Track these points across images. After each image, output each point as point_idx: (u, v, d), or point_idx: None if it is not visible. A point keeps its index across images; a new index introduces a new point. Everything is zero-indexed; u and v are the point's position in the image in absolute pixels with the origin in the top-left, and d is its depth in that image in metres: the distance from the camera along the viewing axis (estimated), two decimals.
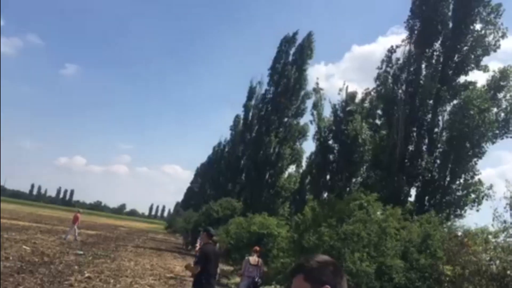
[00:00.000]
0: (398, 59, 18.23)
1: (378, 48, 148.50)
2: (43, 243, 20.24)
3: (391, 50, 18.55)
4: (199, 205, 53.65)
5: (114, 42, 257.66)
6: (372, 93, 20.94)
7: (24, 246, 17.50)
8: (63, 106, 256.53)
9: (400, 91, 17.89)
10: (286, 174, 32.82)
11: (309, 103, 31.03)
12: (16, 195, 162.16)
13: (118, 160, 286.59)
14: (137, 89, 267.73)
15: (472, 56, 16.81)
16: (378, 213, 12.38)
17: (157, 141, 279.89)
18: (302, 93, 33.39)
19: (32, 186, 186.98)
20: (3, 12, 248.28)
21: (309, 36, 33.87)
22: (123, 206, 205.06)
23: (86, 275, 12.80)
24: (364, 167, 21.69)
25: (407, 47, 18.00)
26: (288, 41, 34.70)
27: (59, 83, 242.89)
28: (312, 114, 24.34)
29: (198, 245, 11.97)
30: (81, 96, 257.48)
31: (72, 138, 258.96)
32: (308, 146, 73.35)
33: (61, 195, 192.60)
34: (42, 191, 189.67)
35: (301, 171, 33.42)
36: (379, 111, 20.41)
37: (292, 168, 33.55)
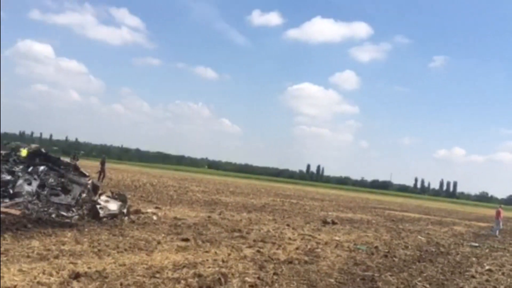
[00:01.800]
0: None
1: None
2: (436, 234, 20.76)
3: None
4: None
5: (476, 29, 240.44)
6: None
7: (419, 236, 18.43)
8: (434, 99, 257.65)
9: None
10: None
11: None
12: (402, 189, 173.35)
13: (501, 147, 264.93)
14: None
15: None
16: None
17: None
18: None
19: (416, 180, 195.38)
20: (372, 22, 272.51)
21: None
22: None
23: (486, 267, 12.31)
24: None
25: None
26: None
27: (428, 77, 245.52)
28: None
29: None
30: (451, 86, 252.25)
31: (448, 129, 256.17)
32: None
33: (444, 187, 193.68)
34: (426, 184, 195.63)
35: None
36: None
37: None
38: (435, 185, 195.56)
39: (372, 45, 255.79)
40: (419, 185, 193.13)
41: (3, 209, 11.02)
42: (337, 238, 14.84)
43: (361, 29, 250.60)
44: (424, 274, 10.23)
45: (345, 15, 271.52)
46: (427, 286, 9.14)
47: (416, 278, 9.72)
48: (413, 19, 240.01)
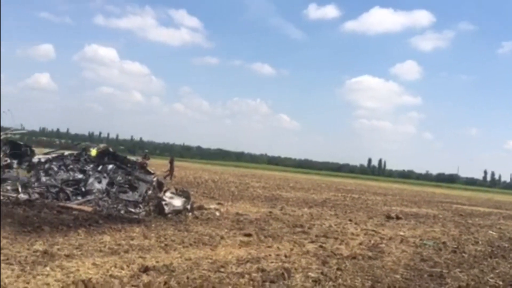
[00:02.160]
0: None
1: None
2: (508, 228, 19.69)
3: None
4: None
5: None
6: None
7: (490, 231, 17.57)
8: (503, 87, 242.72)
9: None
10: None
11: None
12: (471, 182, 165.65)
13: None
14: None
15: None
16: None
17: None
18: None
19: (485, 172, 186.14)
20: (434, 10, 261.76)
21: None
22: None
23: None
24: None
25: None
26: None
27: (496, 64, 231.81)
28: None
29: None
30: None
31: None
32: None
33: None
34: (496, 176, 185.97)
35: None
36: None
37: None
38: (506, 178, 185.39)
39: (434, 33, 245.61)
40: (488, 178, 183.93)
41: (76, 206, 11.69)
42: (401, 233, 14.45)
43: (422, 17, 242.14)
44: (497, 271, 9.75)
45: (404, 3, 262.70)
46: (500, 282, 8.69)
47: (488, 274, 9.28)
48: (478, 4, 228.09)
